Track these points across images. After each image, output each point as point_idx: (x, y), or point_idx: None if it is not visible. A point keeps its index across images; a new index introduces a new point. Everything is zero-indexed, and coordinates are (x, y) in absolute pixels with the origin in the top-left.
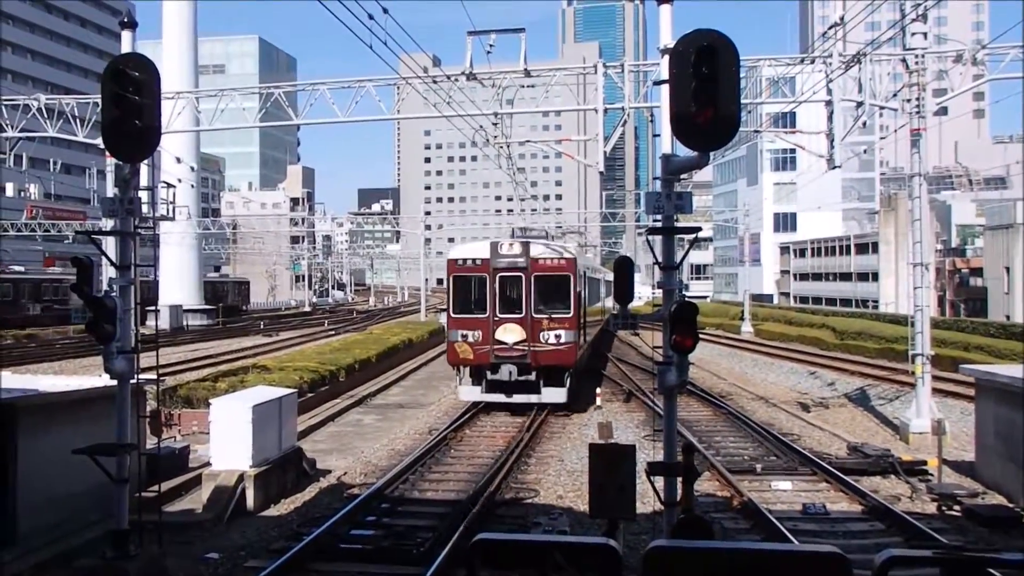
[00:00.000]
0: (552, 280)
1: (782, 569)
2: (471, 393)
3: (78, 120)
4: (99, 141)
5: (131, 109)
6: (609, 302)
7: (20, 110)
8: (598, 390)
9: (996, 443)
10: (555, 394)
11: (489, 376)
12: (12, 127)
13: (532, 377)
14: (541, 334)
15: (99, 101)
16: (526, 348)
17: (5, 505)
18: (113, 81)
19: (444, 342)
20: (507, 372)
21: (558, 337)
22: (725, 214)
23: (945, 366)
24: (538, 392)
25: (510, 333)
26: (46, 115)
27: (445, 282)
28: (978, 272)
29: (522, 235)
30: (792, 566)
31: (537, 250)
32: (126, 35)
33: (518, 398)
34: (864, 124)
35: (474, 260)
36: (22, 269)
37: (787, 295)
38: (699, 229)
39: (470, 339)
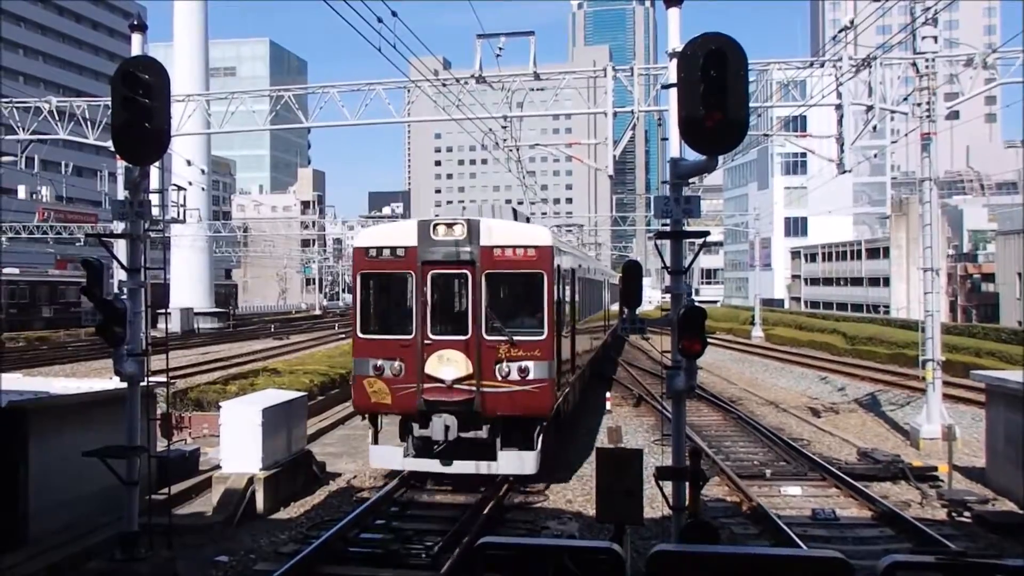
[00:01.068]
0: (516, 281)
1: (785, 573)
2: (387, 458)
3: (89, 123)
4: (110, 144)
5: (141, 112)
6: (614, 308)
7: (32, 112)
8: (608, 394)
9: (1007, 449)
10: (518, 460)
11: (417, 431)
12: (24, 129)
13: (482, 434)
14: (497, 367)
15: (109, 104)
16: (473, 389)
17: (16, 507)
18: (123, 84)
19: None
20: (442, 427)
21: (524, 371)
22: (735, 218)
23: (956, 372)
24: (492, 457)
25: (448, 365)
26: (57, 117)
27: (352, 283)
28: (990, 277)
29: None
30: (796, 571)
31: (492, 234)
32: (136, 38)
33: (460, 467)
34: (875, 128)
35: (393, 250)
36: None
37: (798, 300)
38: (707, 233)
39: (387, 373)
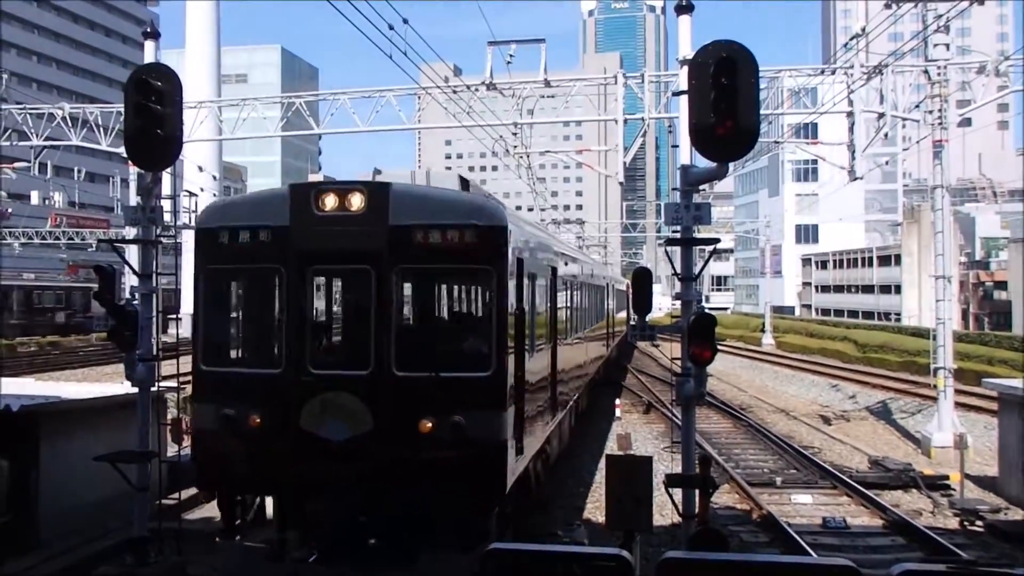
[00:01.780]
0: (447, 283)
1: None
2: (246, 562)
3: (102, 129)
4: (122, 150)
5: (153, 118)
6: (621, 316)
7: (45, 119)
8: (617, 401)
9: (1019, 458)
10: (455, 568)
11: (295, 519)
12: (37, 135)
13: (394, 525)
14: (418, 420)
15: (122, 110)
16: (378, 454)
17: (27, 511)
18: (136, 91)
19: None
20: (329, 513)
21: (458, 429)
22: (746, 225)
23: (968, 380)
24: (410, 561)
25: (338, 417)
26: (70, 124)
27: (193, 285)
28: (1002, 285)
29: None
30: None
31: (408, 207)
32: (149, 45)
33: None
34: (886, 135)
35: (254, 232)
36: None
37: (808, 307)
38: (717, 240)
39: (242, 428)
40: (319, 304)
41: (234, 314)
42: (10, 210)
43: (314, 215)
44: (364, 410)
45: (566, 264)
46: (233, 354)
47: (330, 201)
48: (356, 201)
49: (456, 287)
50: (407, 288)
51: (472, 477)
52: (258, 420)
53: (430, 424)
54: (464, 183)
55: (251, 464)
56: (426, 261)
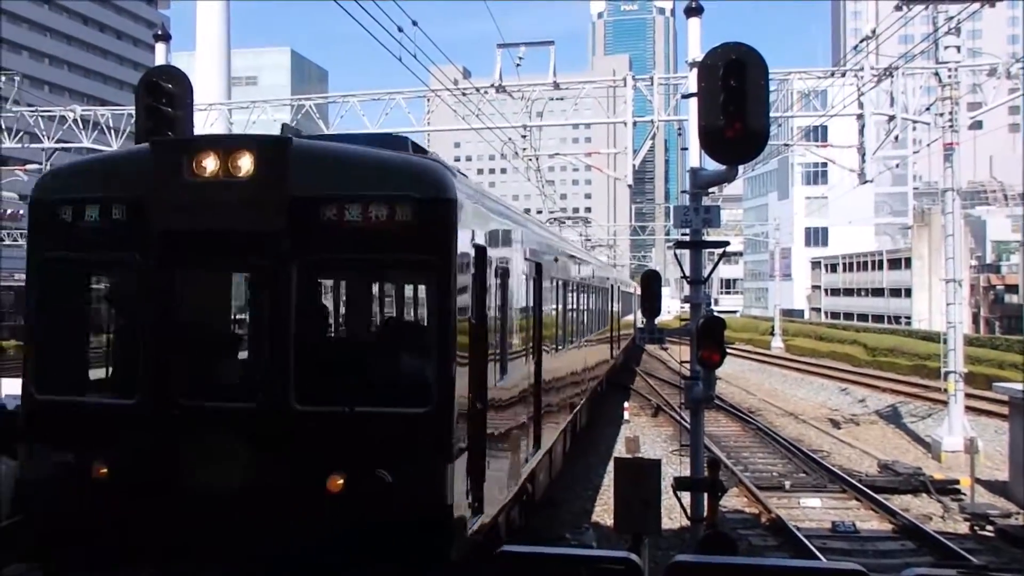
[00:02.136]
0: (374, 276)
1: None
2: None
3: (113, 131)
4: None
5: (164, 121)
6: (627, 319)
7: (56, 121)
8: (626, 404)
9: None
10: None
11: None
12: (48, 138)
13: None
14: (326, 474)
15: (133, 112)
16: (269, 521)
17: None
18: (147, 93)
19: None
20: None
21: (382, 487)
22: (755, 228)
23: (979, 384)
24: None
25: (214, 467)
26: (81, 126)
27: (25, 279)
28: (1013, 289)
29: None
30: None
31: (314, 167)
32: (160, 47)
33: None
34: (896, 138)
35: (105, 205)
36: None
37: (818, 310)
38: (726, 243)
39: (85, 481)
40: (198, 307)
41: (81, 322)
42: (21, 212)
43: (185, 183)
44: (250, 459)
45: (556, 260)
46: (77, 378)
47: (208, 164)
48: (244, 164)
49: (387, 286)
50: (314, 288)
51: (401, 554)
52: (104, 470)
53: (341, 480)
54: (415, 147)
55: (98, 530)
56: (341, 249)
